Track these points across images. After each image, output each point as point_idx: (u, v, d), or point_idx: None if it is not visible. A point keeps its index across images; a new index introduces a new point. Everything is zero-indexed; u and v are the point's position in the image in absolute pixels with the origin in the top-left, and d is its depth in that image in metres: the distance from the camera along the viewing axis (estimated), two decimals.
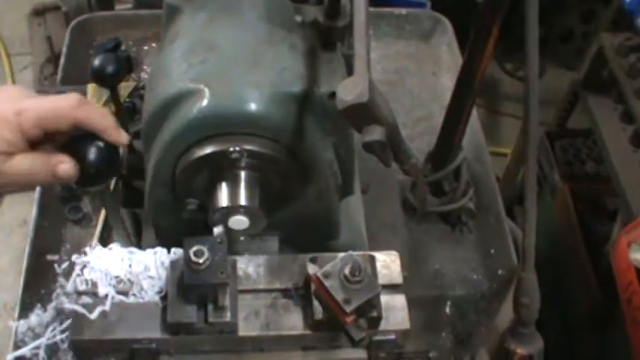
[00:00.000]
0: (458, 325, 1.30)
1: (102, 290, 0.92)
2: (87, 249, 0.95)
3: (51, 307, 0.99)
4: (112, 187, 1.30)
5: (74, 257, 0.93)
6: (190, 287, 0.87)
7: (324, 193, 1.01)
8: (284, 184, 0.96)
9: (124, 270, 0.93)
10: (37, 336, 1.01)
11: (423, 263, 1.38)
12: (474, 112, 1.32)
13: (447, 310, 1.32)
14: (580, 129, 2.29)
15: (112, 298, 0.91)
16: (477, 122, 1.52)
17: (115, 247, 0.96)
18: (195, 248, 0.86)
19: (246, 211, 0.91)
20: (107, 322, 0.91)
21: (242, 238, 1.02)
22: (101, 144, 0.85)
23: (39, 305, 1.15)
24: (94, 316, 0.91)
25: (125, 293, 0.92)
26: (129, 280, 0.92)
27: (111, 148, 0.86)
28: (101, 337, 0.90)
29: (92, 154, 0.85)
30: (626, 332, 1.40)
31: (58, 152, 0.85)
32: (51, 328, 0.99)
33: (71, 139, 0.85)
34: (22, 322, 1.05)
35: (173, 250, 0.94)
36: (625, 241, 1.40)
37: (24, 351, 1.00)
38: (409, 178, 1.41)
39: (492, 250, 1.40)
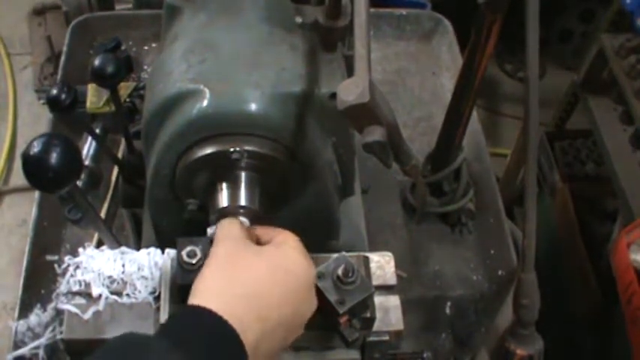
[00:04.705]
0: (458, 325, 1.30)
1: (95, 291, 0.91)
2: (80, 249, 0.94)
3: (50, 307, 0.99)
4: (111, 186, 1.30)
5: (67, 258, 0.93)
6: (183, 287, 0.87)
7: (324, 194, 1.01)
8: (284, 185, 0.96)
9: (117, 270, 0.93)
10: (36, 336, 1.02)
11: (422, 264, 1.38)
12: (474, 113, 1.32)
13: (447, 310, 1.32)
14: (580, 130, 2.29)
15: (106, 298, 0.91)
16: (477, 123, 1.52)
17: (107, 247, 0.96)
18: (187, 249, 0.86)
19: (246, 211, 0.91)
20: (100, 322, 0.91)
21: None
22: (59, 148, 0.82)
23: (38, 305, 1.15)
24: (87, 316, 0.90)
25: (119, 293, 0.92)
26: (122, 280, 0.92)
27: (71, 151, 0.84)
28: (94, 336, 0.90)
29: (52, 158, 0.81)
30: (625, 332, 1.40)
31: None
32: (50, 328, 0.99)
33: (30, 144, 0.82)
34: (21, 322, 1.06)
35: (167, 250, 0.94)
36: (625, 241, 1.40)
37: (24, 351, 1.00)
38: (409, 179, 1.41)
39: (492, 251, 1.40)
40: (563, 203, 2.08)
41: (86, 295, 0.92)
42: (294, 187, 0.97)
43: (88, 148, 1.20)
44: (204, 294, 0.74)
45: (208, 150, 0.90)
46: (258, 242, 0.85)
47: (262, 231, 0.88)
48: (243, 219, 0.90)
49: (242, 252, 0.80)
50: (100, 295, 0.91)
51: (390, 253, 0.99)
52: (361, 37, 0.78)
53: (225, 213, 0.91)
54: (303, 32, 0.98)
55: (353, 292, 0.87)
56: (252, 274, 0.77)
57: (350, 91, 0.75)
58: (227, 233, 0.83)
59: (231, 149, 0.89)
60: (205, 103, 0.87)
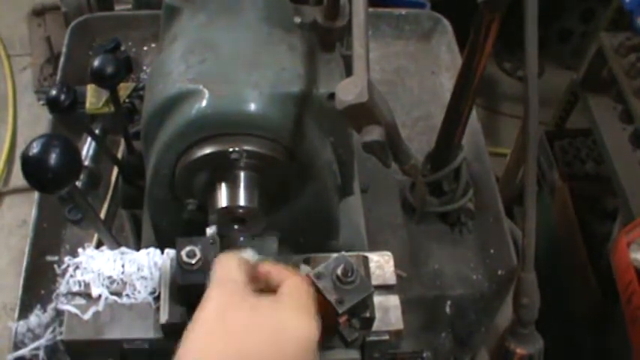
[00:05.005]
0: (458, 325, 1.30)
1: (95, 291, 0.91)
2: (79, 250, 0.95)
3: (50, 307, 0.99)
4: (111, 187, 1.30)
5: (67, 259, 0.93)
6: (182, 288, 0.87)
7: (323, 193, 1.01)
8: (283, 185, 0.96)
9: (116, 271, 0.93)
10: (36, 337, 1.02)
11: (422, 263, 1.38)
12: (474, 112, 1.32)
13: (447, 310, 1.32)
14: (579, 129, 2.29)
15: (106, 298, 0.91)
16: (477, 122, 1.52)
17: (106, 248, 0.96)
18: (187, 249, 0.86)
19: (245, 211, 0.91)
20: (100, 322, 0.91)
21: (241, 239, 1.02)
22: (59, 149, 0.81)
23: (38, 306, 1.15)
24: (87, 316, 0.90)
25: (118, 294, 0.92)
26: (122, 280, 0.92)
27: (70, 151, 0.83)
28: (94, 337, 0.90)
29: (51, 158, 0.81)
30: (625, 332, 1.40)
31: None
32: (50, 328, 0.99)
33: (29, 145, 0.81)
34: (21, 322, 1.06)
35: (166, 250, 0.94)
36: (625, 240, 1.40)
37: (24, 352, 1.00)
38: (409, 178, 1.41)
39: (492, 250, 1.40)
40: (562, 202, 2.08)
41: (86, 295, 0.92)
42: (293, 187, 0.97)
43: (87, 148, 1.20)
44: (189, 355, 0.68)
45: (207, 150, 0.90)
46: (267, 283, 0.79)
47: (273, 271, 0.80)
48: (249, 252, 0.87)
49: (236, 304, 0.72)
50: (100, 296, 0.91)
51: (389, 253, 0.99)
52: (360, 36, 0.78)
53: (224, 213, 0.91)
54: (302, 32, 0.98)
55: (352, 291, 0.87)
56: (245, 333, 0.70)
57: (348, 91, 0.75)
58: (224, 276, 0.76)
59: (231, 149, 0.89)
60: (204, 103, 0.87)
